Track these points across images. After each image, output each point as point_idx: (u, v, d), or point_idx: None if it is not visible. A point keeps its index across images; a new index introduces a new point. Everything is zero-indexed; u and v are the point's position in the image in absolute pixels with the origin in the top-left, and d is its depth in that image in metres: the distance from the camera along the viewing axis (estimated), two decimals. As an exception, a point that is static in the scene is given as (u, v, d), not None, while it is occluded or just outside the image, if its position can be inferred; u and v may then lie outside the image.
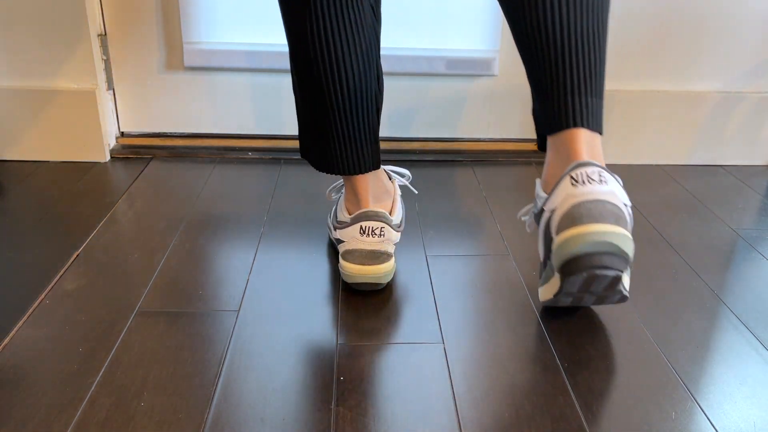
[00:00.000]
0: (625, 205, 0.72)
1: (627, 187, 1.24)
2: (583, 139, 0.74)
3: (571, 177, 0.71)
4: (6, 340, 0.76)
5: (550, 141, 0.77)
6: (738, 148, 1.36)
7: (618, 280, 0.70)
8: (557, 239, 0.70)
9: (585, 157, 0.73)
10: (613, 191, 0.70)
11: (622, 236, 0.68)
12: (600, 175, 0.71)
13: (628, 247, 0.69)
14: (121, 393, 0.68)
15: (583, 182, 0.70)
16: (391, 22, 1.29)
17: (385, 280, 0.86)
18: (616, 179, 0.73)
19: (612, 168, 1.33)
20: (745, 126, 1.34)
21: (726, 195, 1.22)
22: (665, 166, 1.35)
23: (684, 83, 1.32)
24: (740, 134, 1.35)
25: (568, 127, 0.74)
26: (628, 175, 1.30)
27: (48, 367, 0.72)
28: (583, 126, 0.74)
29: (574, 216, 0.69)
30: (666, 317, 0.84)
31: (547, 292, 0.79)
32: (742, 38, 1.29)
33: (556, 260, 0.71)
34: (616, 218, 0.69)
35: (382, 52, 1.29)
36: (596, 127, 0.75)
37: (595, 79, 0.74)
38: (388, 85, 1.33)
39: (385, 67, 1.31)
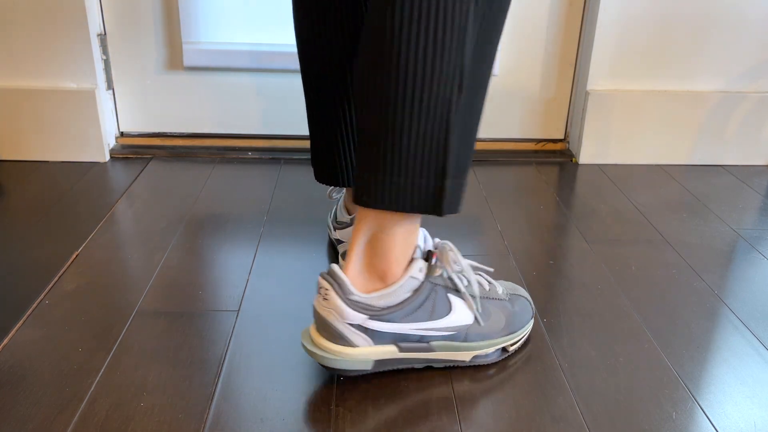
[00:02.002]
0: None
1: (627, 187, 1.24)
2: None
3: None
4: (6, 340, 0.76)
5: None
6: (738, 148, 1.36)
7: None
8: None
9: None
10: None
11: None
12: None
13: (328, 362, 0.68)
14: (121, 393, 0.68)
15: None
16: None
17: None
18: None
19: (612, 168, 1.33)
20: (745, 126, 1.34)
21: (726, 195, 1.22)
22: (665, 166, 1.35)
23: (684, 83, 1.32)
24: (740, 134, 1.35)
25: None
26: (628, 175, 1.30)
27: (48, 367, 0.72)
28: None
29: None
30: (666, 317, 0.84)
31: None
32: (743, 38, 1.29)
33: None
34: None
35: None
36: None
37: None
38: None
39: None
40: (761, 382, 0.73)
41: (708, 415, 0.68)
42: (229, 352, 0.75)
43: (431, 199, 0.65)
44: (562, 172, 1.31)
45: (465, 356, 0.73)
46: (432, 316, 0.70)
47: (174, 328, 0.79)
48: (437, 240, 0.72)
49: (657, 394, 0.70)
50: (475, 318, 0.72)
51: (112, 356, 0.74)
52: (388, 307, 0.68)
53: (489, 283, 0.76)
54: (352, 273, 0.68)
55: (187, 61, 1.28)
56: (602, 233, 1.05)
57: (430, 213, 0.65)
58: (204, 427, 0.64)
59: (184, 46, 1.27)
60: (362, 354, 0.69)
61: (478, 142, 1.39)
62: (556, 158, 1.37)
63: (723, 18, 1.27)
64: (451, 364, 0.73)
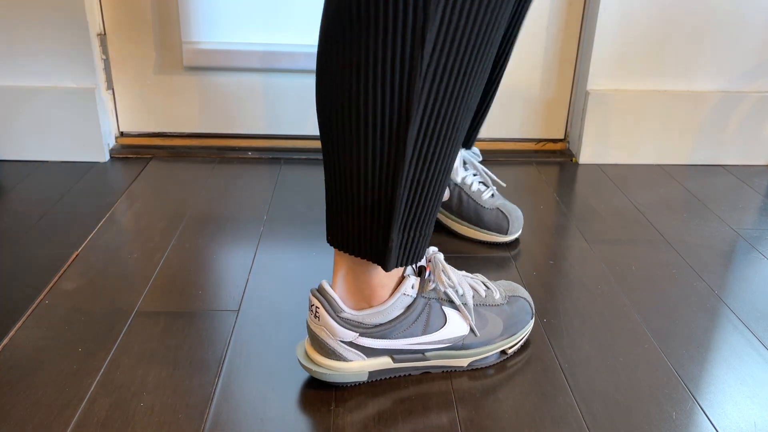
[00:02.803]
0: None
1: (627, 187, 1.24)
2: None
3: None
4: (6, 340, 0.76)
5: None
6: (738, 148, 1.36)
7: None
8: None
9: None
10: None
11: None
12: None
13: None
14: (120, 393, 0.68)
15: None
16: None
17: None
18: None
19: (612, 168, 1.33)
20: (745, 126, 1.34)
21: (726, 195, 1.22)
22: (665, 166, 1.35)
23: (684, 83, 1.32)
24: (740, 134, 1.35)
25: None
26: (628, 175, 1.30)
27: (48, 367, 0.72)
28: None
29: None
30: (666, 317, 0.84)
31: None
32: (743, 38, 1.29)
33: None
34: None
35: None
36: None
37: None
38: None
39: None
40: (761, 382, 0.73)
41: (708, 415, 0.68)
42: (229, 352, 0.75)
43: (379, 250, 0.62)
44: (562, 172, 1.31)
45: (462, 362, 0.73)
46: (426, 330, 0.69)
47: (174, 328, 0.79)
48: (430, 251, 0.70)
49: (657, 394, 0.70)
50: (471, 329, 0.71)
51: (112, 356, 0.74)
52: (380, 324, 0.67)
53: (486, 288, 0.75)
54: (340, 291, 0.67)
55: (187, 61, 1.28)
56: (602, 233, 1.05)
57: (378, 264, 0.63)
58: (204, 427, 0.64)
59: (184, 46, 1.27)
60: (356, 368, 0.69)
61: (477, 142, 1.39)
62: (556, 158, 1.37)
63: (723, 18, 1.27)
64: (449, 369, 0.73)
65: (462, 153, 1.02)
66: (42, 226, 1.02)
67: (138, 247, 0.97)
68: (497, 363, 0.74)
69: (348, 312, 0.66)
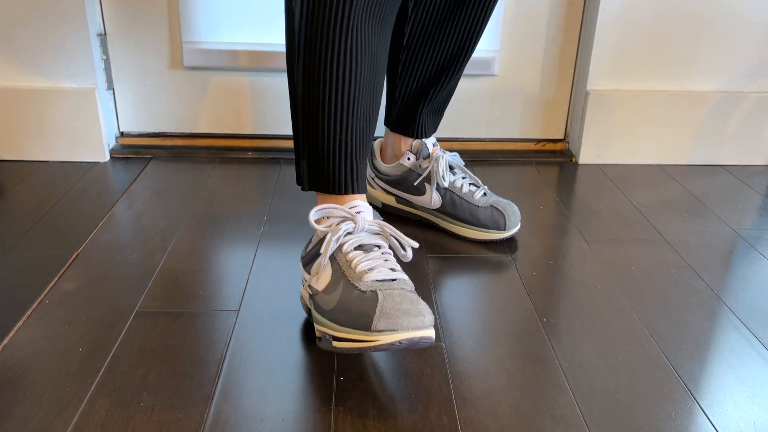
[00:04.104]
0: None
1: (627, 187, 1.24)
2: None
3: None
4: (6, 340, 0.76)
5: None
6: (738, 148, 1.36)
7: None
8: None
9: None
10: None
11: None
12: None
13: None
14: (120, 393, 0.68)
15: None
16: (391, 22, 1.28)
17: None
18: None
19: (612, 168, 1.33)
20: (745, 126, 1.34)
21: (726, 195, 1.22)
22: (665, 166, 1.35)
23: (684, 83, 1.32)
24: (740, 134, 1.35)
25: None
26: (629, 175, 1.30)
27: (48, 367, 0.72)
28: None
29: None
30: (666, 317, 0.84)
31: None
32: (742, 38, 1.29)
33: None
34: None
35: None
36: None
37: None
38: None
39: (385, 67, 1.31)
40: (761, 382, 0.73)
41: (708, 415, 0.68)
42: (229, 352, 0.75)
43: (299, 174, 0.81)
44: (562, 172, 1.31)
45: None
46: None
47: (174, 328, 0.79)
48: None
49: (657, 394, 0.71)
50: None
51: (112, 356, 0.74)
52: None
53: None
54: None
55: (187, 61, 1.28)
56: (602, 233, 1.05)
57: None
58: (204, 427, 0.64)
59: (184, 46, 1.27)
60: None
61: (477, 142, 1.39)
62: (556, 158, 1.37)
63: (723, 18, 1.27)
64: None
65: (447, 157, 1.02)
66: (42, 226, 1.02)
67: (138, 247, 0.97)
68: (499, 361, 0.74)
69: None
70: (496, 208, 1.00)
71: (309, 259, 0.77)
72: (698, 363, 0.76)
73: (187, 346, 0.76)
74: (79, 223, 1.04)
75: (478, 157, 1.35)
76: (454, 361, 0.75)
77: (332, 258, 0.73)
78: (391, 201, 1.08)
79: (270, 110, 1.35)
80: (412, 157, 1.03)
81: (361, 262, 0.70)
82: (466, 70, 1.31)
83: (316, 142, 0.76)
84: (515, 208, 1.01)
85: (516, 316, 0.83)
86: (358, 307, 0.65)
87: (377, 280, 0.68)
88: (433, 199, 1.02)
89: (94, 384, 0.70)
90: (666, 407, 0.69)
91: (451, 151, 1.08)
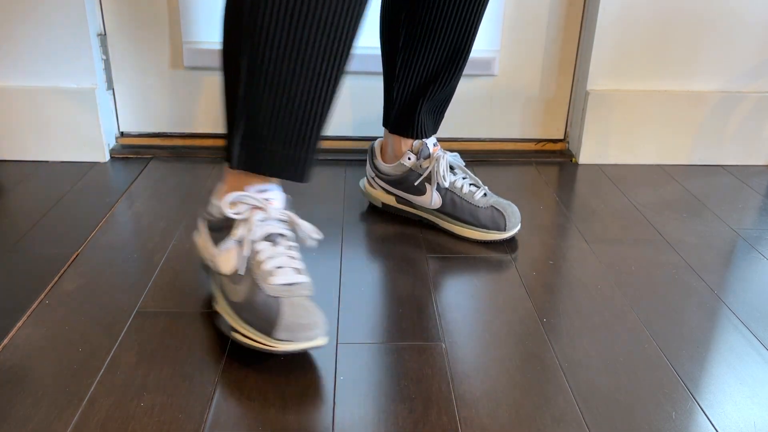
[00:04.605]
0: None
1: (627, 187, 1.24)
2: None
3: None
4: (6, 340, 0.76)
5: None
6: (738, 148, 1.36)
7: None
8: None
9: None
10: None
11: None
12: None
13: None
14: (121, 393, 0.68)
15: None
16: (391, 22, 1.28)
17: (367, 197, 1.08)
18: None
19: (612, 168, 1.33)
20: (745, 126, 1.34)
21: (726, 195, 1.22)
22: (665, 166, 1.35)
23: (684, 83, 1.32)
24: (740, 134, 1.35)
25: None
26: (628, 175, 1.30)
27: (48, 367, 0.72)
28: None
29: None
30: (666, 317, 0.84)
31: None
32: (742, 38, 1.29)
33: None
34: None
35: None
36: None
37: None
38: (388, 85, 1.33)
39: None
40: (761, 382, 0.73)
41: (708, 414, 0.68)
42: (229, 352, 0.75)
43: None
44: (562, 172, 1.31)
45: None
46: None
47: (174, 328, 0.79)
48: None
49: (657, 394, 0.71)
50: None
51: (112, 356, 0.74)
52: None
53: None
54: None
55: (188, 60, 1.28)
56: (602, 233, 1.05)
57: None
58: (204, 427, 0.64)
59: (185, 46, 1.27)
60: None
61: (477, 142, 1.39)
62: (556, 158, 1.37)
63: (722, 18, 1.27)
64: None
65: (448, 157, 1.02)
66: (42, 226, 1.02)
67: (138, 247, 0.97)
68: (500, 361, 0.74)
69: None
70: (496, 208, 1.00)
71: (217, 227, 0.79)
72: (698, 363, 0.76)
73: (187, 346, 0.76)
74: (79, 223, 1.04)
75: (478, 157, 1.35)
76: (454, 361, 0.75)
77: (239, 242, 0.76)
78: (391, 201, 1.08)
79: (270, 110, 1.35)
80: (413, 157, 1.03)
81: (267, 259, 0.75)
82: (467, 70, 1.31)
83: (257, 119, 0.73)
84: (515, 208, 1.01)
85: (516, 316, 0.83)
86: (262, 312, 0.72)
87: (282, 284, 0.74)
88: (433, 199, 1.02)
89: (94, 384, 0.70)
90: (666, 407, 0.69)
91: (451, 151, 1.08)
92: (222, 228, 0.78)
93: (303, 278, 0.76)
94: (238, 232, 0.75)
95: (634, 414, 0.68)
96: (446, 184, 1.01)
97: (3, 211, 1.07)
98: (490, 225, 1.00)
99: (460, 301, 0.86)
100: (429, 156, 1.02)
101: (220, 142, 1.35)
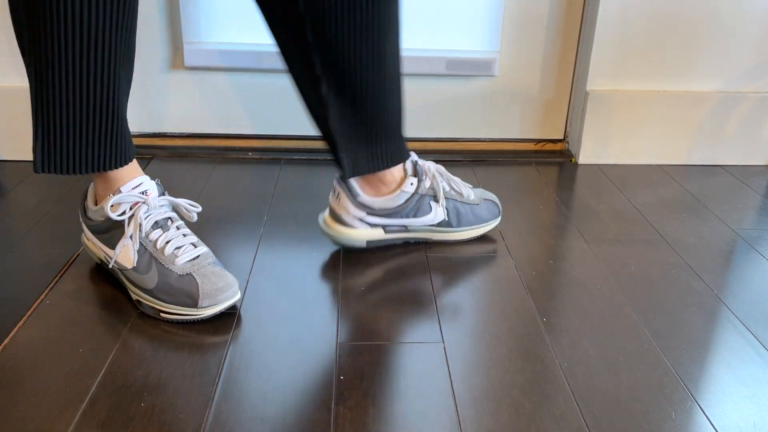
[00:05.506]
0: None
1: (627, 187, 1.24)
2: None
3: None
4: (6, 340, 0.76)
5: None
6: (738, 148, 1.36)
7: None
8: None
9: None
10: None
11: None
12: None
13: None
14: (121, 393, 0.68)
15: None
16: (391, 22, 1.28)
17: (337, 240, 0.97)
18: None
19: (612, 168, 1.33)
20: (745, 126, 1.34)
21: (726, 195, 1.22)
22: (665, 167, 1.35)
23: (684, 83, 1.33)
24: (740, 134, 1.35)
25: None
26: (628, 175, 1.30)
27: (48, 367, 0.72)
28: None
29: None
30: (666, 317, 0.84)
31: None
32: (742, 38, 1.29)
33: None
34: None
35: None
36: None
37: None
38: (388, 85, 1.33)
39: (385, 67, 1.31)
40: (761, 382, 0.73)
41: (707, 415, 0.68)
42: (229, 352, 0.75)
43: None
44: (561, 172, 1.31)
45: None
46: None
47: (174, 328, 0.79)
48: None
49: (657, 394, 0.71)
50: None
51: (113, 356, 0.74)
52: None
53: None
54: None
55: (188, 61, 1.28)
56: (602, 233, 1.05)
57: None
58: (204, 427, 0.64)
59: (185, 46, 1.27)
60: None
61: (477, 142, 1.39)
62: (555, 158, 1.37)
63: (722, 18, 1.27)
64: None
65: (430, 166, 0.98)
66: (42, 226, 1.02)
67: (138, 247, 0.97)
68: (499, 359, 0.75)
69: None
70: (486, 198, 1.02)
71: (102, 230, 0.84)
72: (698, 363, 0.76)
73: (187, 347, 0.76)
74: (80, 223, 1.03)
75: (478, 158, 1.35)
76: (454, 360, 0.75)
77: (131, 238, 0.81)
78: (376, 235, 0.97)
79: (270, 110, 1.35)
80: (415, 181, 0.96)
81: (166, 244, 0.81)
82: (467, 70, 1.31)
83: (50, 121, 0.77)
84: (491, 193, 1.05)
85: (516, 316, 0.84)
86: (180, 290, 0.79)
87: (187, 261, 0.81)
88: (438, 215, 0.98)
89: (95, 384, 0.70)
90: (666, 407, 0.69)
91: (451, 151, 1.08)
92: (109, 229, 0.83)
93: (202, 249, 0.83)
94: (129, 230, 0.81)
95: (634, 414, 0.68)
96: (448, 195, 0.99)
97: (3, 211, 1.07)
98: (489, 215, 1.01)
99: (460, 300, 0.86)
100: (424, 173, 0.97)
101: (221, 142, 1.35)
